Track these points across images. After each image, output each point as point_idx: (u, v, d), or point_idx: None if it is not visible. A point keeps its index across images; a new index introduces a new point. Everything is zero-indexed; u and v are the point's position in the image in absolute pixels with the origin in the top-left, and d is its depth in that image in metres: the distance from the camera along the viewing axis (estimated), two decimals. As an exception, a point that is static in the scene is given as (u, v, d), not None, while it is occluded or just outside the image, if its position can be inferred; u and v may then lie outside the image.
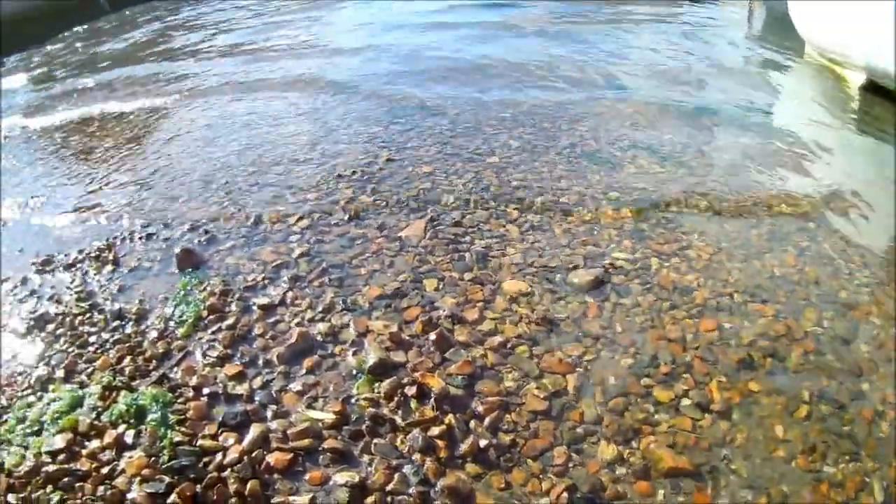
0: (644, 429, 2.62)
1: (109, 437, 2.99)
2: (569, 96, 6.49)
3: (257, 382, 3.20)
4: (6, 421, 3.16)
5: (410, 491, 2.57)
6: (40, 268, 4.40)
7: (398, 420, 2.76)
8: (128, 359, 3.48)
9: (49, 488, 2.81)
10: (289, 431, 2.91)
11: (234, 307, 3.71)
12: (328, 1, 12.91)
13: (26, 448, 3.01)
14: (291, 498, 2.65)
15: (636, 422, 2.67)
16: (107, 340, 3.65)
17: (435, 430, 2.69)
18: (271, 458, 2.78)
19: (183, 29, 11.87)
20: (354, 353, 3.22)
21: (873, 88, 6.15)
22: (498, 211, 4.26)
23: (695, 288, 3.36)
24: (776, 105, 6.50)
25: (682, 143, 5.27)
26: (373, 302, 3.53)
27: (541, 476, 2.49)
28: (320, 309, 3.57)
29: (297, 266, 3.96)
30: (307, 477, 2.72)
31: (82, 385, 3.35)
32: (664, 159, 4.92)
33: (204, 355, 3.41)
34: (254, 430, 2.94)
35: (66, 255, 4.49)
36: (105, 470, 2.84)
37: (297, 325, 3.47)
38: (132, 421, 3.06)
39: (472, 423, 2.72)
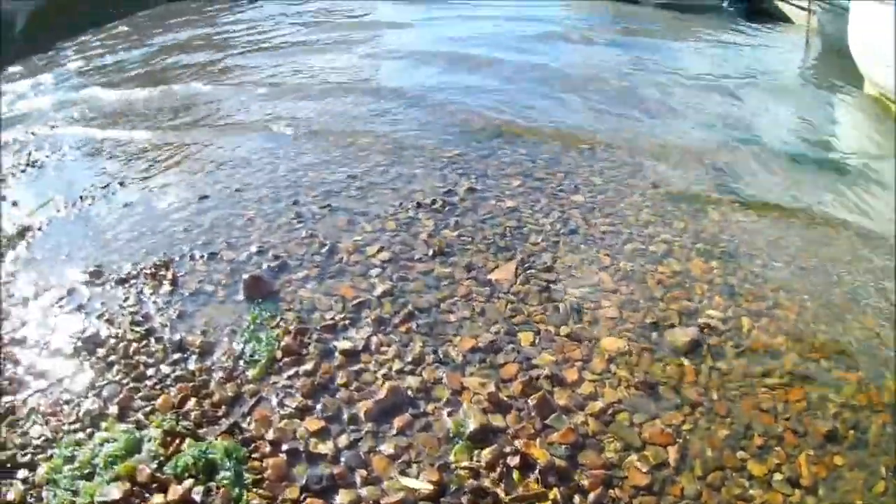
0: (739, 504, 2.53)
1: (174, 492, 2.87)
2: (643, 126, 6.79)
3: (343, 441, 3.12)
4: (52, 457, 3.07)
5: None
6: (89, 279, 4.35)
7: (501, 493, 2.75)
8: (192, 401, 3.37)
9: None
10: (382, 501, 2.80)
11: (312, 349, 3.63)
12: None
13: (75, 493, 2.92)
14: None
15: (732, 497, 2.77)
16: (167, 376, 3.57)
17: (540, 506, 2.47)
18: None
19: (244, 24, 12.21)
20: (450, 414, 3.18)
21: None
22: (589, 256, 4.28)
23: (784, 352, 3.48)
24: (840, 142, 6.89)
25: (757, 182, 5.55)
26: (466, 355, 3.50)
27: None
28: (409, 359, 3.51)
29: (380, 306, 3.89)
30: (404, 556, 2.47)
31: (139, 426, 3.25)
32: (744, 205, 5.09)
33: (280, 404, 3.33)
34: (342, 498, 2.86)
35: (118, 268, 4.43)
36: (171, 532, 2.58)
37: (385, 376, 3.42)
38: (200, 476, 2.94)
39: (577, 499, 2.75)
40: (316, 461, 2.99)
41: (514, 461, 2.82)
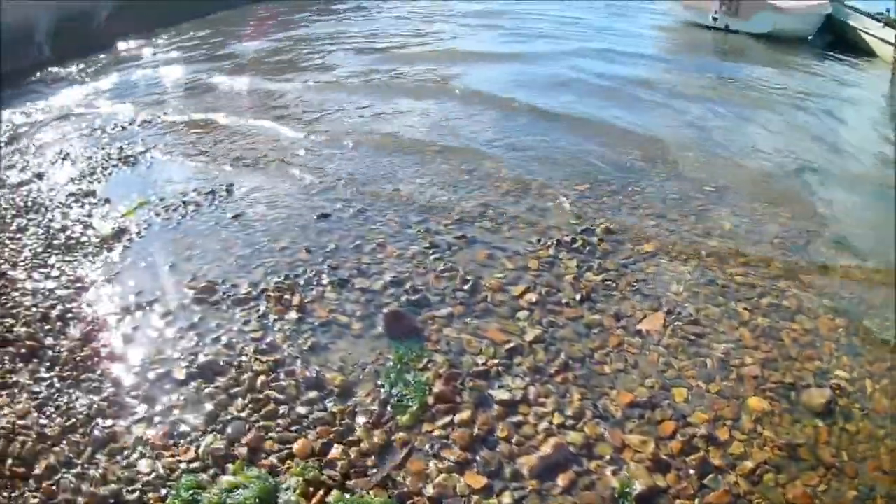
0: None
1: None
2: (758, 167, 7.07)
3: (507, 499, 3.04)
4: (167, 498, 2.95)
5: None
6: (200, 295, 4.25)
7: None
8: (336, 448, 3.22)
9: None
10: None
11: (466, 397, 3.54)
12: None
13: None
14: None
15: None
16: (303, 416, 3.41)
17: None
18: None
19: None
20: (614, 473, 3.18)
21: None
22: (729, 310, 4.37)
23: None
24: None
25: (872, 234, 5.64)
26: (625, 410, 3.53)
27: None
28: (569, 413, 3.49)
29: (532, 353, 3.85)
30: None
31: (273, 472, 3.10)
32: (864, 261, 5.18)
33: (437, 456, 3.21)
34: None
35: (232, 286, 4.35)
36: None
37: (546, 431, 3.39)
38: (355, 535, 2.60)
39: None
40: (482, 521, 2.65)
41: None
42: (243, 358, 3.71)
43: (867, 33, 15.56)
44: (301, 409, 3.40)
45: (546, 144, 7.07)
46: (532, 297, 4.29)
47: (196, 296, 4.21)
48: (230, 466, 3.09)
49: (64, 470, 3.14)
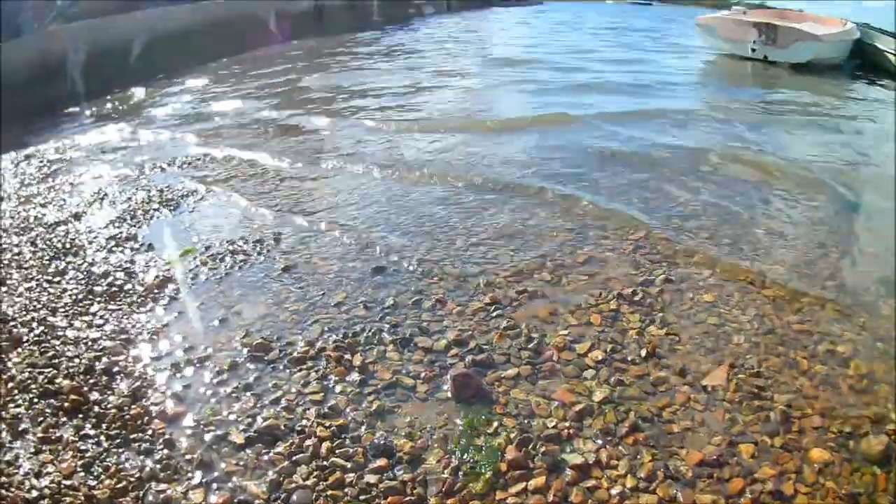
0: None
1: None
2: (808, 206, 7.12)
3: None
4: None
5: None
6: (255, 353, 4.16)
7: None
8: None
9: None
10: None
11: (538, 462, 3.46)
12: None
13: None
14: None
15: None
16: (372, 485, 3.28)
17: None
18: None
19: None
20: None
21: None
22: (789, 359, 4.35)
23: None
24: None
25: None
26: (695, 469, 3.50)
27: None
28: (641, 475, 3.42)
29: (602, 414, 3.81)
30: None
31: None
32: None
33: None
34: None
35: (289, 344, 4.24)
36: None
37: (620, 495, 3.33)
38: None
39: None
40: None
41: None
42: (305, 422, 3.59)
43: (893, 54, 16.26)
44: (370, 478, 3.29)
45: (596, 191, 7.25)
46: (598, 354, 4.26)
47: (251, 353, 4.12)
48: (298, 542, 2.76)
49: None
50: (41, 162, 9.09)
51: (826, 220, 6.63)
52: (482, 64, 17.08)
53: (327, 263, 5.32)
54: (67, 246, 6.01)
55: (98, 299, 4.93)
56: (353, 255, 5.51)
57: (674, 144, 9.01)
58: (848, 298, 5.03)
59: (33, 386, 3.94)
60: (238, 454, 3.43)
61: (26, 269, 5.58)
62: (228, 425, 3.59)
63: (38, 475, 3.26)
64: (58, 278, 5.35)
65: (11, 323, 4.59)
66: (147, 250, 5.78)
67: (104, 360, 4.16)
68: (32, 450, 3.45)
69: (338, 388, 3.85)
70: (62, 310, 4.82)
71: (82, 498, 3.15)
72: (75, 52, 14.62)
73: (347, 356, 4.08)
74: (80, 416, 3.72)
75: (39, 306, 4.88)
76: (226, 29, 20.09)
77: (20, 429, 3.61)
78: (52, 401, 3.81)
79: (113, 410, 3.72)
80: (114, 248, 5.87)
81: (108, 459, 3.39)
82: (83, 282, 5.24)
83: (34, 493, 3.16)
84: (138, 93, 13.90)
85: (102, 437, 3.54)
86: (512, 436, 3.54)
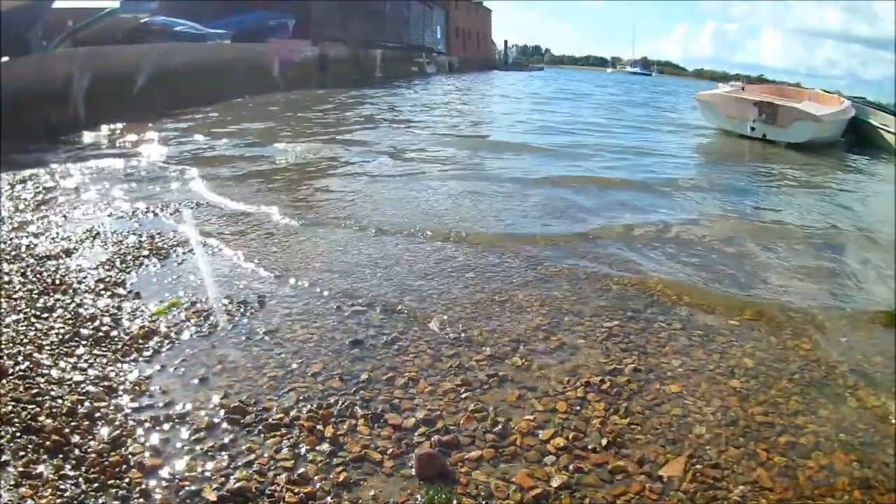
0: None
1: None
2: (781, 294, 7.55)
3: None
4: None
5: None
6: (232, 416, 4.35)
7: None
8: None
9: None
10: None
11: None
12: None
13: None
14: None
15: None
16: (334, 555, 3.20)
17: None
18: None
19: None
20: None
21: None
22: (748, 451, 4.46)
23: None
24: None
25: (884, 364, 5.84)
26: None
27: None
28: None
29: (558, 499, 3.94)
30: None
31: None
32: (877, 388, 5.36)
33: None
34: None
35: (264, 409, 4.47)
36: None
37: None
38: None
39: None
40: None
41: None
42: (275, 487, 3.77)
43: (888, 131, 16.76)
44: (333, 548, 3.20)
45: (576, 280, 7.45)
46: (560, 441, 4.41)
47: (228, 415, 4.28)
48: None
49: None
50: (37, 187, 9.30)
51: (797, 308, 7.02)
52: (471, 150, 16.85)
53: (307, 332, 5.54)
54: (57, 282, 6.19)
55: (84, 342, 5.12)
56: (333, 323, 5.74)
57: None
58: (814, 391, 5.24)
59: (16, 420, 4.10)
60: (216, 515, 3.38)
61: (15, 300, 5.76)
62: (202, 482, 3.75)
63: (17, 508, 3.23)
64: (46, 315, 5.54)
65: (-2, 352, 4.47)
66: (134, 298, 5.98)
67: (87, 404, 4.33)
68: (13, 482, 3.62)
69: (308, 457, 4.02)
70: (48, 348, 5.00)
71: (59, 538, 3.15)
72: (80, 78, 14.84)
73: (320, 426, 4.25)
74: (61, 456, 3.89)
75: (26, 341, 5.06)
76: (229, 71, 20.43)
77: (1, 460, 3.77)
78: (34, 437, 3.98)
79: (93, 455, 3.89)
80: (102, 292, 6.04)
81: (86, 502, 3.56)
82: (70, 322, 5.43)
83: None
84: (137, 128, 14.09)
85: (81, 480, 3.71)
86: (470, 517, 3.48)
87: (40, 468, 3.79)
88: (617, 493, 4.02)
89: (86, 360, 4.89)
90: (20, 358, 4.82)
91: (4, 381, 4.50)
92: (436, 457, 4.13)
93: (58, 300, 5.86)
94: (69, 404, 4.36)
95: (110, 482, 3.76)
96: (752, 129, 17.52)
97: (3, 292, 5.80)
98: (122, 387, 4.64)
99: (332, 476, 3.96)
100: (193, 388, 4.68)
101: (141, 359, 5.04)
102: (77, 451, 3.96)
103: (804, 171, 15.10)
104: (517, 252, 8.25)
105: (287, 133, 16.24)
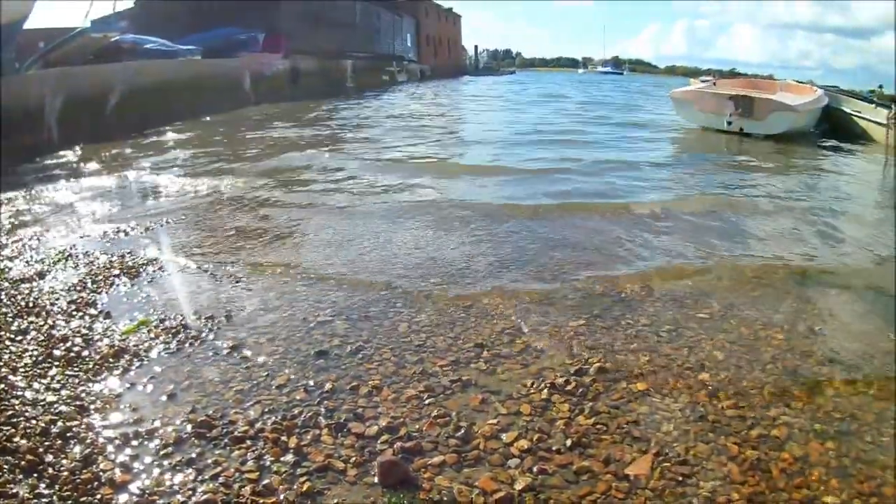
0: None
1: None
2: (754, 283, 7.62)
3: None
4: None
5: None
6: (199, 430, 4.41)
7: None
8: None
9: None
10: None
11: None
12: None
13: None
14: None
15: None
16: (299, 563, 3.28)
17: None
18: None
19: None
20: None
21: None
22: (718, 446, 4.43)
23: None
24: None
25: (862, 350, 5.90)
26: None
27: None
28: None
29: (522, 502, 3.94)
30: None
31: None
32: (855, 373, 5.40)
33: None
34: None
35: (230, 423, 4.52)
36: None
37: None
38: None
39: None
40: None
41: None
42: (240, 498, 3.81)
43: (860, 117, 16.99)
44: (298, 557, 3.27)
45: (545, 278, 7.52)
46: (524, 443, 4.40)
47: (195, 430, 4.32)
48: None
49: None
50: (11, 211, 9.33)
51: (769, 295, 7.10)
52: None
53: (273, 344, 5.59)
54: (31, 305, 6.25)
55: (56, 363, 5.17)
56: (299, 336, 5.80)
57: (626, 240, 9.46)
58: (787, 381, 5.20)
59: (-8, 442, 3.91)
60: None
61: (-9, 326, 5.48)
62: (171, 496, 3.82)
63: (-6, 528, 3.29)
64: (20, 337, 5.61)
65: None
66: (105, 318, 6.04)
67: (59, 423, 4.38)
68: (-11, 502, 3.48)
69: (273, 468, 4.07)
70: (22, 370, 5.05)
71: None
72: (52, 99, 14.79)
73: (284, 438, 4.30)
74: (36, 475, 3.94)
75: (1, 364, 5.10)
76: (200, 87, 20.43)
77: (-22, 481, 3.63)
78: (9, 458, 4.03)
79: (65, 473, 3.95)
80: (74, 313, 6.10)
81: (60, 520, 3.43)
82: (44, 344, 5.48)
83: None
84: (109, 148, 14.08)
85: (56, 498, 3.78)
86: (432, 522, 3.52)
87: (16, 488, 3.84)
88: (582, 493, 4.02)
89: (58, 381, 4.95)
90: (-5, 381, 4.60)
91: (-21, 404, 4.34)
92: (398, 464, 4.15)
93: (31, 323, 5.95)
94: (43, 424, 4.38)
95: (82, 499, 3.81)
96: (729, 123, 17.54)
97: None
98: (93, 406, 4.69)
99: (296, 486, 4.00)
100: (162, 404, 4.71)
101: (112, 378, 5.08)
102: (51, 470, 4.00)
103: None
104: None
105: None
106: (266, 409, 4.72)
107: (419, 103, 33.60)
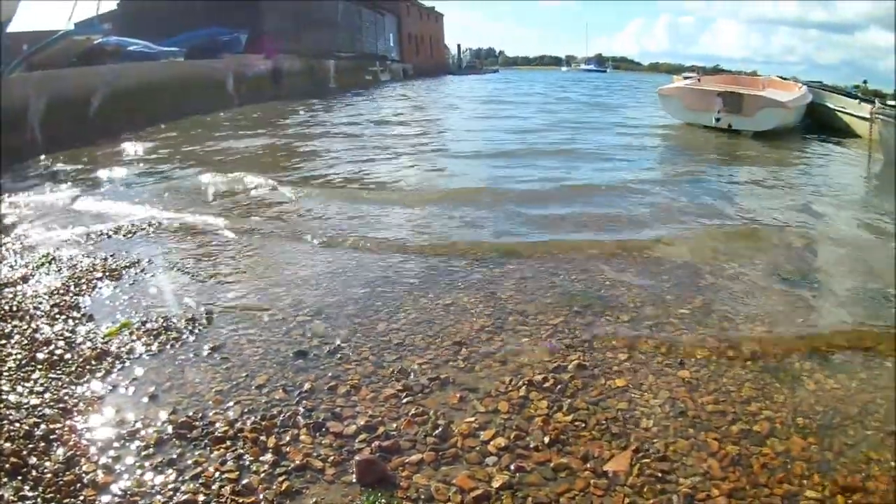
0: None
1: None
2: (737, 279, 7.55)
3: None
4: None
5: None
6: (180, 431, 4.42)
7: None
8: None
9: None
10: None
11: None
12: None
13: None
14: None
15: None
16: (278, 562, 3.31)
17: None
18: None
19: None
20: None
21: None
22: (698, 441, 4.43)
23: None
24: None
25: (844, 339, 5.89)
26: None
27: None
28: None
29: (499, 499, 3.95)
30: None
31: None
32: (835, 371, 5.39)
33: None
34: None
35: (210, 423, 4.54)
36: None
37: None
38: None
39: None
40: None
41: None
42: (220, 498, 3.85)
43: (844, 112, 17.07)
44: (277, 556, 3.30)
45: (514, 274, 7.54)
46: (501, 441, 4.41)
47: (176, 430, 4.35)
48: None
49: None
50: (-5, 215, 9.20)
51: (754, 291, 7.06)
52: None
53: (253, 346, 5.60)
54: (14, 309, 6.26)
55: (40, 367, 5.18)
56: (278, 337, 5.81)
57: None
58: (769, 377, 5.20)
59: (-24, 446, 3.92)
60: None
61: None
62: (152, 496, 3.86)
63: (-21, 530, 3.32)
64: (3, 341, 5.61)
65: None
66: (88, 321, 6.05)
67: (43, 426, 4.40)
68: (-26, 505, 3.49)
69: (252, 468, 4.10)
70: (6, 374, 5.05)
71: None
72: (36, 102, 14.72)
73: (263, 437, 4.33)
74: (20, 478, 3.97)
75: (-15, 369, 4.82)
76: (184, 89, 20.36)
77: (-36, 486, 3.64)
78: (-6, 461, 3.82)
79: (49, 475, 3.97)
80: (57, 316, 6.12)
81: (44, 522, 3.45)
82: (27, 347, 5.50)
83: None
84: (92, 151, 14.02)
85: (40, 500, 3.81)
86: (410, 518, 3.56)
87: (1, 491, 3.85)
88: (560, 490, 4.03)
89: (42, 384, 4.97)
90: (-20, 386, 4.61)
91: (-35, 409, 4.35)
92: (375, 462, 4.18)
93: (15, 327, 5.95)
94: (27, 427, 4.41)
95: (66, 501, 3.85)
96: (717, 119, 17.26)
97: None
98: (76, 408, 4.70)
99: (275, 486, 4.04)
100: (143, 406, 4.73)
101: (94, 380, 5.11)
102: (35, 473, 4.03)
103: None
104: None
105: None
106: (245, 410, 4.75)
107: (408, 106, 33.23)
